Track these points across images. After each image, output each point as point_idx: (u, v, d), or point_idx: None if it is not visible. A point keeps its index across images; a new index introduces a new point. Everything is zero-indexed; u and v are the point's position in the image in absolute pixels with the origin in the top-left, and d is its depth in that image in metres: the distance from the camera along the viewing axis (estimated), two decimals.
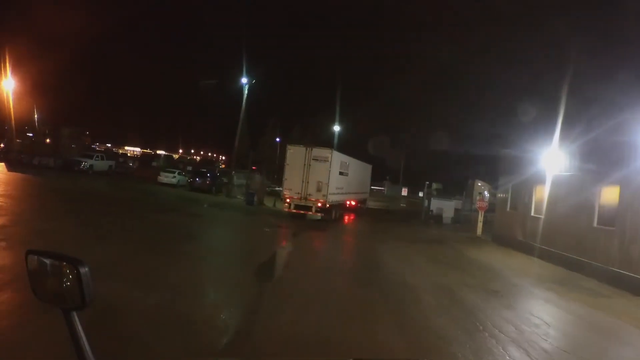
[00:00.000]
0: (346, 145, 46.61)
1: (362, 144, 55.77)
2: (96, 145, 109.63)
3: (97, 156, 34.03)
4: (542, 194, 17.73)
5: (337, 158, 21.26)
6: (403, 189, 69.78)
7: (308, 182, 20.23)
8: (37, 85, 37.27)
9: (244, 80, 30.89)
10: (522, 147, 18.86)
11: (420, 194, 68.25)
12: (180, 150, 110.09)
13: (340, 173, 22.19)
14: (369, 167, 32.16)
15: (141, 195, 25.54)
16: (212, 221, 18.55)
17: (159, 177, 32.97)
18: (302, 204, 20.46)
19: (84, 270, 1.41)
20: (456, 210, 34.86)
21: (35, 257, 1.51)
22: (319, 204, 20.37)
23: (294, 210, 20.50)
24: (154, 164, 40.02)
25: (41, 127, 45.94)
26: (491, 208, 38.27)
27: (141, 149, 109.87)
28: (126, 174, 37.99)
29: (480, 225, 22.58)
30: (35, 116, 45.20)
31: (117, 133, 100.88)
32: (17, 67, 30.98)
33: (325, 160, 20.28)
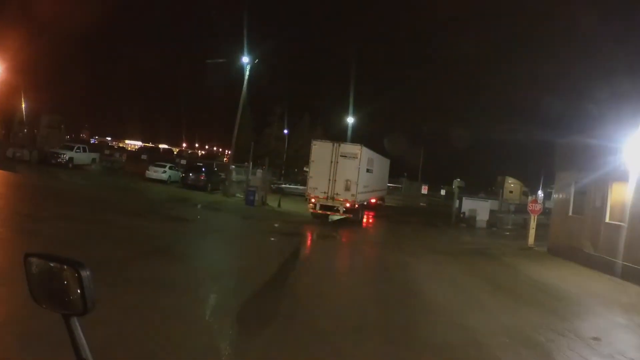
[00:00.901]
0: (360, 139, 43.95)
1: (378, 137, 53.11)
2: (95, 138, 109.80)
3: (79, 148, 31.18)
4: (622, 194, 14.32)
5: (366, 154, 20.54)
6: (423, 187, 66.12)
7: (335, 181, 19.54)
8: (32, 76, 35.50)
9: (245, 59, 27.71)
10: (593, 134, 15.46)
11: (443, 192, 65.57)
12: (184, 144, 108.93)
13: (367, 170, 21.36)
14: (387, 161, 30.59)
15: (120, 193, 22.63)
16: (198, 228, 15.44)
17: (147, 171, 30.09)
18: (329, 204, 19.76)
19: (85, 273, 1.43)
20: (491, 211, 31.40)
21: (34, 259, 1.52)
22: (347, 204, 19.66)
23: (320, 211, 19.89)
24: (144, 157, 37.02)
25: (28, 119, 43.59)
26: (521, 209, 35.17)
27: (143, 142, 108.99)
28: (113, 168, 35.18)
29: (532, 232, 19.24)
30: (23, 106, 43.05)
31: (118, 126, 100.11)
32: (9, 56, 28.49)
33: (354, 157, 19.54)
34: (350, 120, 48.34)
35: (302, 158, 57.43)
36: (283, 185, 36.48)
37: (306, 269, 11.08)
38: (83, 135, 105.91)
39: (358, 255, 14.65)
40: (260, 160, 43.01)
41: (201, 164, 32.39)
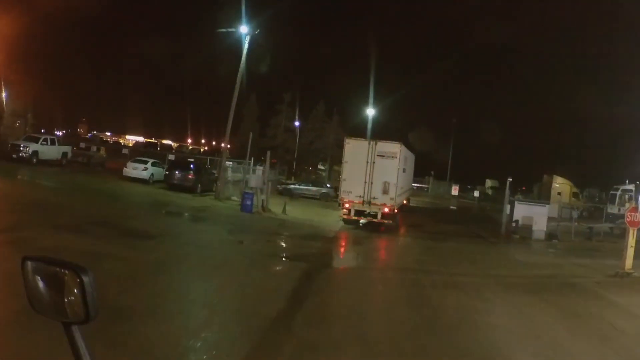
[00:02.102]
0: (381, 131, 40.38)
1: (400, 129, 50.01)
2: (92, 133, 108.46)
3: (45, 140, 27.46)
4: None
5: (404, 153, 19.93)
6: (453, 187, 61.98)
7: (372, 183, 19.02)
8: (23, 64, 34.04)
9: (244, 28, 23.56)
10: None
11: (476, 194, 61.18)
12: (190, 140, 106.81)
13: (404, 170, 20.87)
14: (413, 157, 28.44)
15: (82, 196, 18.86)
16: (156, 252, 11.10)
17: (125, 169, 26.20)
18: (365, 209, 19.21)
19: (87, 279, 1.42)
20: (549, 219, 26.80)
21: (33, 264, 1.51)
22: (386, 209, 19.12)
23: (354, 217, 19.37)
24: (125, 151, 33.21)
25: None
26: (584, 214, 30.50)
27: (145, 138, 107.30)
28: (89, 164, 31.49)
29: (631, 252, 14.73)
30: (3, 96, 40.38)
31: (118, 121, 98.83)
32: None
33: (393, 156, 19.07)
34: (370, 112, 44.18)
35: (316, 153, 54.61)
36: (292, 186, 32.35)
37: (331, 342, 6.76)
38: (80, 130, 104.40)
39: (403, 300, 10.30)
40: (265, 155, 39.13)
41: (191, 160, 28.41)
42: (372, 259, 14.22)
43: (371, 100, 41.92)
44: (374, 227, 19.77)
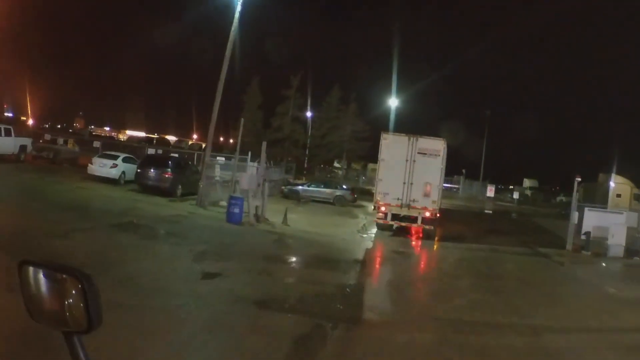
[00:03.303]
0: (405, 124, 37.81)
1: (426, 122, 45.92)
2: (91, 128, 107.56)
3: None
4: None
5: (445, 150, 19.35)
6: (489, 188, 57.62)
7: (412, 184, 18.62)
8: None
9: None
10: None
11: (515, 196, 57.43)
12: (195, 136, 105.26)
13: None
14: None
15: (12, 200, 15.06)
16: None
17: (90, 165, 22.49)
18: (404, 213, 18.79)
19: (90, 285, 1.43)
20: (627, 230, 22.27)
21: (32, 268, 1.51)
22: (427, 214, 18.63)
23: (392, 222, 18.79)
24: (96, 144, 29.42)
25: None
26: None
27: (146, 133, 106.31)
28: (55, 159, 27.88)
29: None
30: None
31: (118, 116, 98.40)
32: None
33: (436, 154, 18.72)
34: (393, 102, 40.46)
35: (329, 148, 50.55)
36: (299, 187, 28.31)
37: None
38: (77, 125, 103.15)
39: None
40: (270, 150, 35.32)
41: (174, 155, 24.54)
42: (409, 300, 10.07)
43: (394, 88, 39.00)
44: (408, 239, 18.31)
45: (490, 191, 56.24)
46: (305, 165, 44.93)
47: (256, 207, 17.00)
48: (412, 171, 18.52)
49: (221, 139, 57.11)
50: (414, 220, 18.71)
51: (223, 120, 41.97)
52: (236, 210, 16.10)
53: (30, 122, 65.18)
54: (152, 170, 20.69)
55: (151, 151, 26.56)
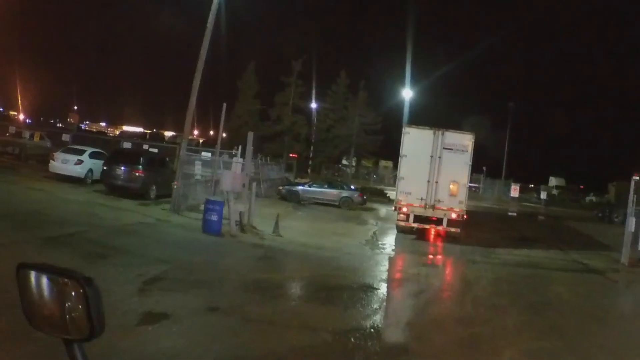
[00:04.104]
0: (419, 115, 37.99)
1: (442, 114, 46.28)
2: (85, 124, 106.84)
3: None
4: None
5: (473, 145, 18.63)
6: (513, 187, 55.04)
7: (437, 183, 18.03)
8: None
9: None
10: None
11: (543, 196, 55.31)
12: (196, 132, 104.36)
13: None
14: None
15: None
16: None
17: (52, 162, 20.15)
18: (428, 214, 18.12)
19: (92, 290, 1.43)
20: None
21: (30, 272, 1.52)
22: (453, 215, 17.97)
23: (414, 225, 18.08)
24: (65, 137, 26.91)
25: None
26: None
27: (144, 129, 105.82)
28: (21, 156, 25.69)
29: None
30: None
31: (116, 111, 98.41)
32: None
33: (463, 150, 18.17)
34: (407, 94, 39.21)
35: (335, 143, 48.04)
36: (300, 188, 25.71)
37: None
38: (70, 120, 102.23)
39: None
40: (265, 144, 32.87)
41: (148, 149, 21.94)
42: (442, 356, 7.32)
43: (408, 76, 37.40)
44: (428, 250, 16.91)
45: (515, 191, 53.79)
46: (310, 162, 42.29)
47: (240, 213, 14.32)
48: (437, 168, 17.96)
49: (211, 132, 54.83)
50: (438, 222, 18.02)
51: (214, 112, 39.63)
52: (214, 218, 13.45)
53: (21, 117, 64.25)
54: (120, 167, 18.13)
55: (127, 145, 23.92)
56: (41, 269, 1.51)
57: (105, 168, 18.50)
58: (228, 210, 13.85)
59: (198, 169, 17.92)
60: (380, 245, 16.15)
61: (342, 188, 26.00)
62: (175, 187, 16.13)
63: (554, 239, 23.61)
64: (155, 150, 23.28)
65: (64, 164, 19.76)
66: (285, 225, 16.44)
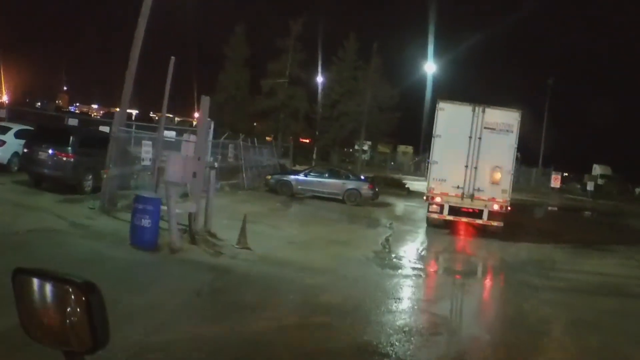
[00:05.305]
0: (443, 92, 32.66)
1: (468, 90, 42.41)
2: (75, 106, 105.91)
3: None
4: None
5: (519, 124, 18.14)
6: (553, 177, 53.01)
7: (476, 169, 17.56)
8: None
9: None
10: None
11: (589, 187, 53.72)
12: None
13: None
14: None
15: None
16: None
17: None
18: (466, 206, 17.70)
19: (95, 297, 1.45)
20: None
21: (28, 278, 1.54)
22: (495, 206, 17.47)
23: (450, 217, 17.69)
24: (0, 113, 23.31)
25: None
26: None
27: (139, 111, 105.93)
28: None
29: None
30: None
31: (109, 93, 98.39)
32: None
33: (507, 130, 17.71)
34: (430, 68, 37.07)
35: (342, 122, 44.79)
36: (292, 177, 22.35)
37: None
38: (59, 102, 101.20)
39: None
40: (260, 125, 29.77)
41: (80, 126, 18.46)
42: None
43: (431, 43, 34.60)
44: (467, 263, 13.82)
45: (556, 181, 52.13)
46: (314, 148, 38.89)
47: (190, 216, 10.55)
48: (476, 151, 17.42)
49: (196, 115, 52.23)
50: (477, 214, 17.55)
51: (198, 84, 36.65)
52: (145, 223, 9.72)
53: (5, 98, 63.30)
54: (45, 150, 14.51)
55: (74, 121, 20.34)
56: (40, 274, 1.51)
57: (25, 151, 14.95)
58: (168, 211, 10.10)
59: (147, 151, 14.20)
60: (394, 259, 12.31)
61: (347, 178, 22.31)
62: (105, 176, 12.42)
63: (623, 244, 20.13)
64: (107, 129, 19.72)
65: None
66: (263, 230, 12.98)
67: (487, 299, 10.52)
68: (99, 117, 77.16)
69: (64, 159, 14.37)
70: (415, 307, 8.81)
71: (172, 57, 12.33)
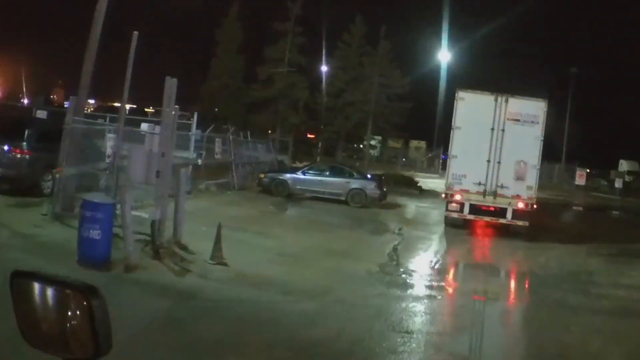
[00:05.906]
0: (459, 79, 34.25)
1: (485, 78, 43.23)
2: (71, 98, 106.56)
3: None
4: None
5: (545, 115, 18.12)
6: (578, 173, 52.05)
7: (499, 164, 17.49)
8: None
9: None
10: None
11: (617, 184, 54.45)
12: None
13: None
14: None
15: None
16: None
17: None
18: (488, 204, 17.61)
19: (97, 302, 1.45)
20: None
21: (26, 282, 1.52)
22: (520, 204, 17.41)
23: (471, 217, 17.65)
24: None
25: None
26: None
27: (137, 105, 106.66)
28: None
29: None
30: None
31: (108, 87, 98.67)
32: None
33: (533, 121, 17.60)
34: (444, 55, 37.39)
35: (346, 114, 44.30)
36: (288, 175, 21.56)
37: None
38: (53, 96, 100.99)
39: None
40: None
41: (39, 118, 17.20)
42: None
43: (447, 26, 34.88)
44: (490, 279, 12.42)
45: (581, 177, 51.46)
46: (319, 143, 37.88)
47: (153, 225, 9.06)
48: (499, 145, 17.36)
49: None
50: (501, 213, 17.43)
51: (192, 72, 36.00)
52: (94, 235, 8.28)
53: None
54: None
55: (42, 114, 19.00)
56: (39, 277, 1.49)
57: None
58: (125, 218, 8.61)
59: (110, 146, 12.82)
60: (403, 275, 10.83)
61: (351, 176, 21.23)
62: (58, 176, 11.02)
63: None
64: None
65: None
66: (247, 239, 11.76)
67: (518, 329, 8.95)
68: (91, 110, 77.23)
69: (19, 155, 13.10)
70: (427, 343, 7.27)
71: (135, 32, 10.91)
